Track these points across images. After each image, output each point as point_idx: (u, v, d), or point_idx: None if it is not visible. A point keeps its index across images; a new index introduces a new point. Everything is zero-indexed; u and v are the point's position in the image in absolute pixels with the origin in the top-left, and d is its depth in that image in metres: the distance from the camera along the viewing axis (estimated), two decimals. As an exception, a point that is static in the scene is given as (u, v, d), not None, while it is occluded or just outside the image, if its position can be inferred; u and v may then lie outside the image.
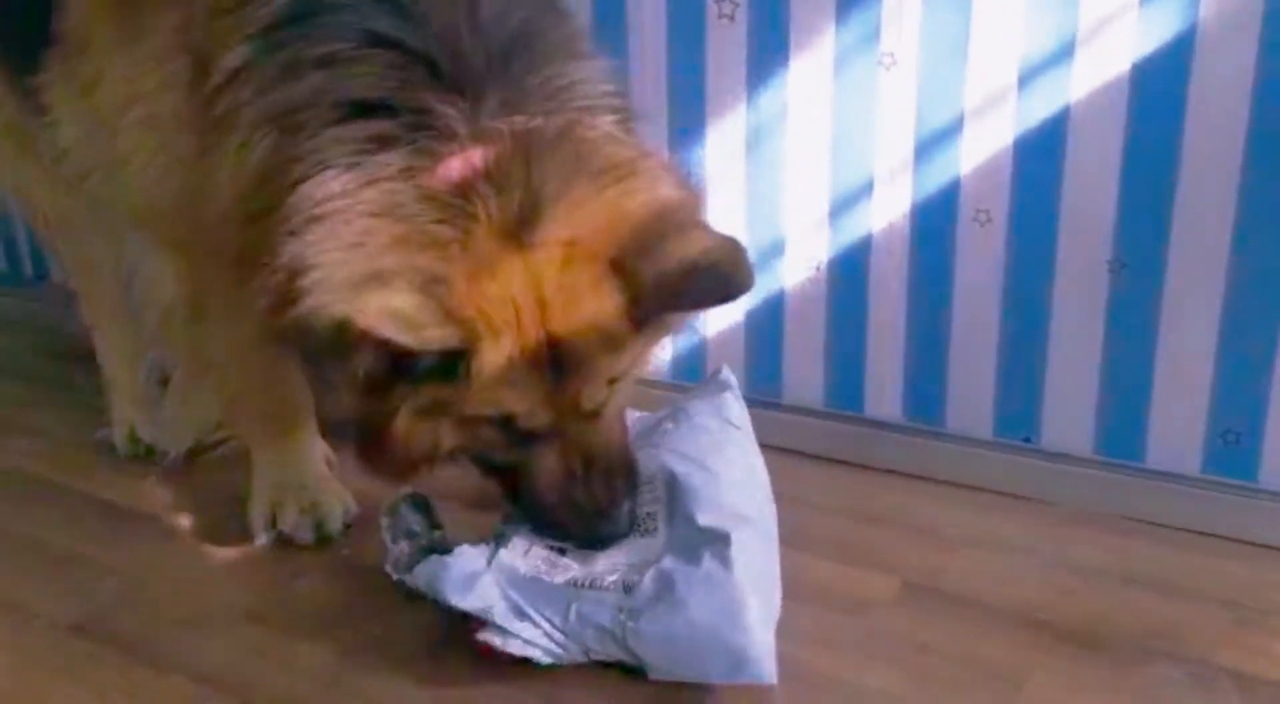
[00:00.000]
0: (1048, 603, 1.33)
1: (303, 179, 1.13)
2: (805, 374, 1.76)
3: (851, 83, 1.59)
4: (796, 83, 1.63)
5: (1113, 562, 1.42)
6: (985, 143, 1.53)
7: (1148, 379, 1.51)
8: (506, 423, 1.19)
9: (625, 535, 1.27)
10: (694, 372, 1.84)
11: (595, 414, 1.23)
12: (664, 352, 1.86)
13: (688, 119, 1.73)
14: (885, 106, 1.58)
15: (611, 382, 1.22)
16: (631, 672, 1.20)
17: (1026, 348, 1.57)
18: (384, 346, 1.06)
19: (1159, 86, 1.41)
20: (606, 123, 1.21)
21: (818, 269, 1.70)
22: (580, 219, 1.13)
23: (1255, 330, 1.43)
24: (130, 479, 1.67)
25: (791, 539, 1.47)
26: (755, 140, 1.69)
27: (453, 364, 1.10)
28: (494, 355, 1.11)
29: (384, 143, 1.13)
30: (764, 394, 1.79)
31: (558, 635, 1.19)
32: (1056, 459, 1.58)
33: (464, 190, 1.11)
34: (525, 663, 1.19)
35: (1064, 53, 1.45)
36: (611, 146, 1.18)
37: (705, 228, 1.19)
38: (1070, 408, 1.57)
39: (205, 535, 1.52)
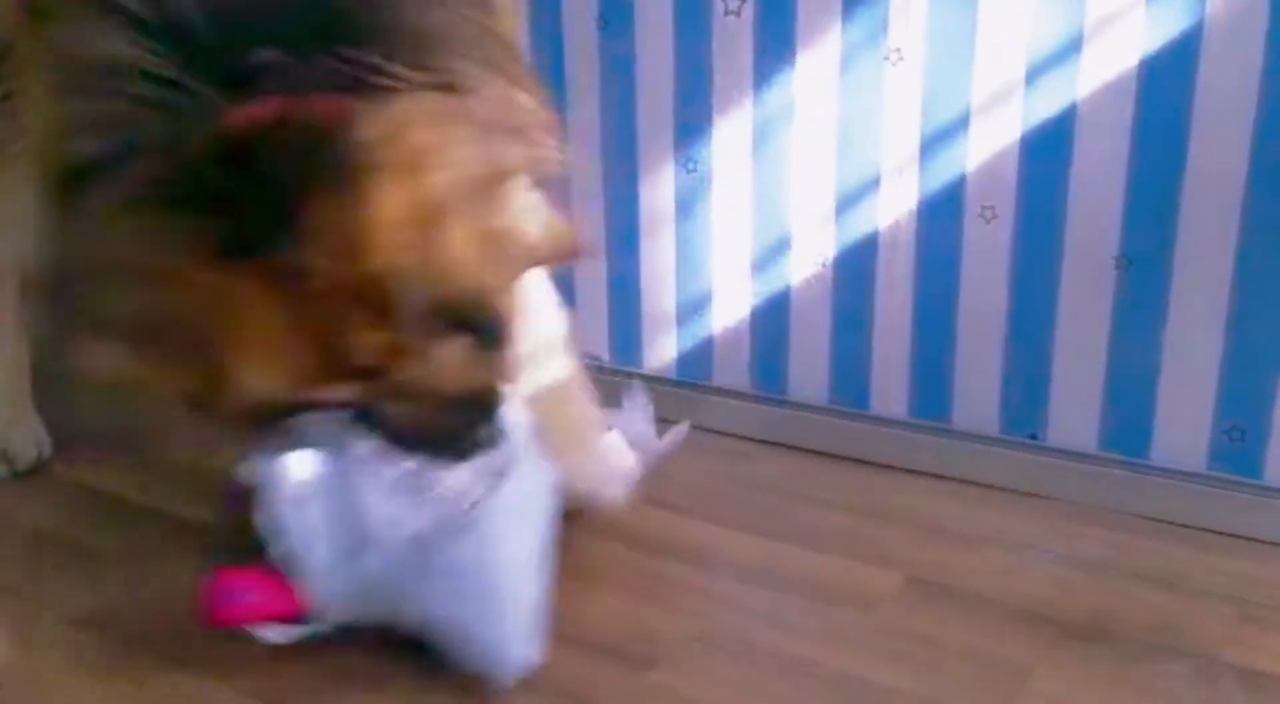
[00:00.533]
0: (1052, 598, 1.33)
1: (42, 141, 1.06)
2: (810, 370, 1.76)
3: (857, 79, 1.59)
4: (802, 79, 1.63)
5: (1117, 557, 1.42)
6: (991, 139, 1.53)
7: (1153, 376, 1.51)
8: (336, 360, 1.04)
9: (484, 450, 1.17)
10: (701, 369, 1.85)
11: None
12: (669, 352, 1.87)
13: (693, 115, 1.73)
14: (891, 103, 1.58)
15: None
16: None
17: (1032, 345, 1.58)
18: None
19: (1166, 83, 1.41)
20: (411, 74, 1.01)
21: (823, 265, 1.70)
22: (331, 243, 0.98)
23: (1261, 327, 1.43)
24: (136, 473, 1.68)
25: (795, 535, 1.49)
26: (761, 136, 1.69)
27: None
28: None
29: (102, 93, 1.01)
30: (769, 391, 1.79)
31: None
32: (1062, 456, 1.58)
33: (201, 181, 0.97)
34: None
35: (1071, 49, 1.45)
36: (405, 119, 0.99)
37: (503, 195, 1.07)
38: (1076, 405, 1.57)
39: (211, 530, 1.53)
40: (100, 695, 1.19)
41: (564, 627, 1.29)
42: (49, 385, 1.91)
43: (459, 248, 1.01)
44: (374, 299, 0.99)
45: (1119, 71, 1.44)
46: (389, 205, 0.97)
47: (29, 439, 1.74)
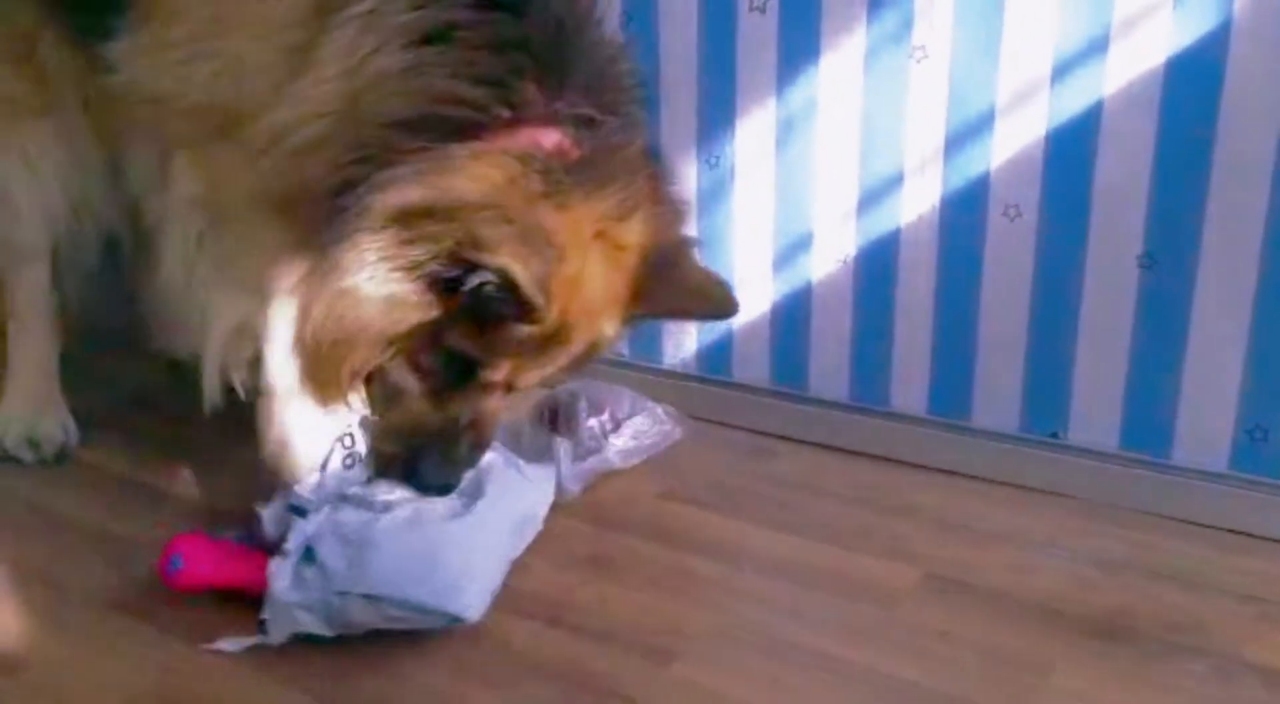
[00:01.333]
0: (1072, 596, 1.34)
1: (432, 83, 1.20)
2: (831, 367, 1.76)
3: (882, 76, 1.60)
4: (827, 76, 1.64)
5: (1137, 556, 1.42)
6: (1016, 137, 1.53)
7: (1176, 375, 1.51)
8: (469, 368, 1.28)
9: (449, 492, 1.33)
10: (721, 365, 1.85)
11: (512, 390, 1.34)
12: (690, 347, 1.87)
13: (718, 111, 1.73)
14: (916, 100, 1.58)
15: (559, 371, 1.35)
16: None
17: (1055, 343, 1.58)
18: (491, 284, 1.15)
19: (1193, 82, 1.41)
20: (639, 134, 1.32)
21: (845, 262, 1.70)
22: (640, 233, 1.26)
23: (1285, 328, 1.44)
24: (162, 460, 1.70)
25: (816, 531, 1.49)
26: (785, 133, 1.70)
27: (504, 316, 1.20)
28: (539, 325, 1.20)
29: (494, 85, 1.21)
30: (790, 387, 1.80)
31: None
32: (1083, 455, 1.58)
33: (571, 169, 1.20)
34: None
35: (1097, 47, 1.45)
36: (663, 178, 1.34)
37: (699, 259, 1.40)
38: (1098, 403, 1.57)
39: (236, 516, 1.54)
40: (128, 680, 1.21)
41: (586, 619, 1.30)
42: (77, 373, 1.94)
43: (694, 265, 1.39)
44: (632, 290, 1.29)
45: (1145, 70, 1.43)
46: (662, 225, 1.31)
47: (56, 426, 1.76)
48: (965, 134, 1.56)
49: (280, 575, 1.23)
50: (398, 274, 1.19)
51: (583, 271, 1.22)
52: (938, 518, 1.53)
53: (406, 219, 1.17)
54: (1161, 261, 1.48)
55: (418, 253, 1.18)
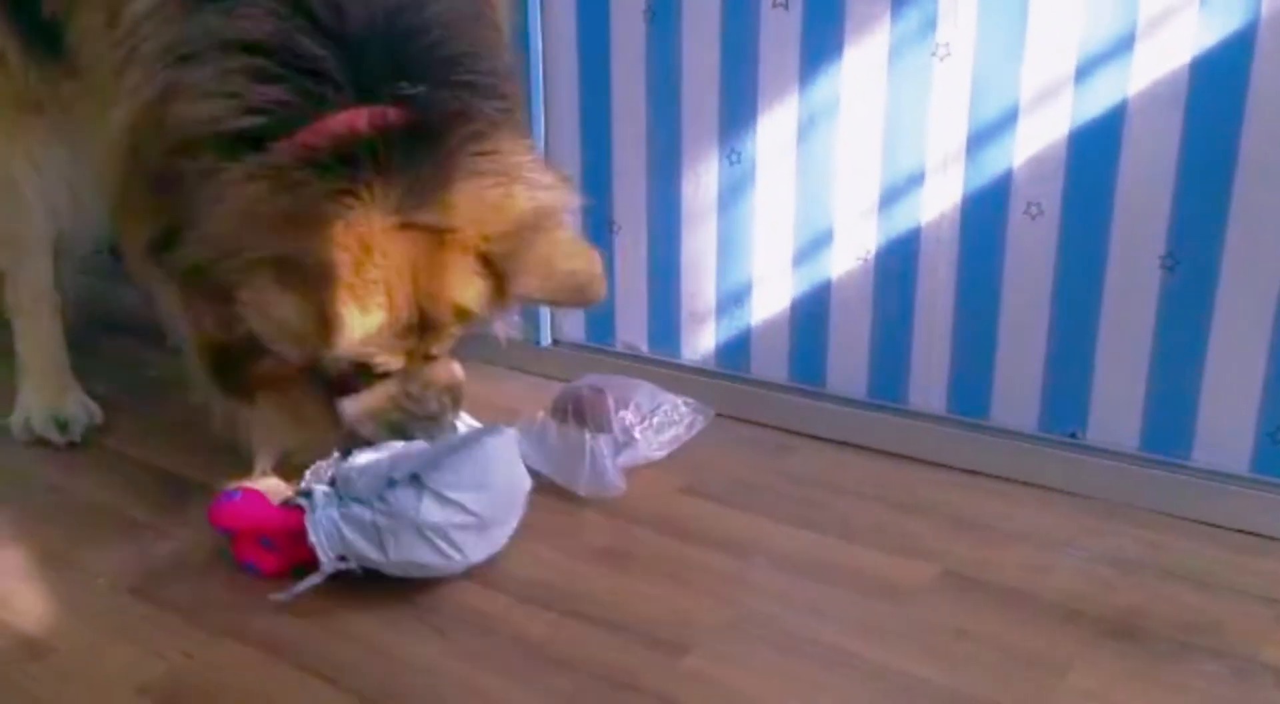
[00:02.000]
0: (1088, 595, 1.33)
1: (189, 103, 1.20)
2: (849, 364, 1.76)
3: (905, 73, 1.59)
4: (850, 72, 1.64)
5: (1154, 556, 1.42)
6: (1039, 135, 1.52)
7: (1197, 376, 1.50)
8: (363, 367, 1.32)
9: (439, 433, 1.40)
10: (739, 360, 1.86)
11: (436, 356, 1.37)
12: (708, 343, 1.88)
13: (739, 107, 1.73)
14: (939, 97, 1.58)
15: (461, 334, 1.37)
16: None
17: (1075, 342, 1.57)
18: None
19: (1219, 81, 1.40)
20: (490, 107, 1.28)
21: (865, 259, 1.70)
22: (461, 212, 1.24)
23: (1309, 330, 1.43)
24: (184, 448, 1.71)
25: (831, 527, 1.49)
26: (807, 129, 1.70)
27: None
28: (363, 330, 1.23)
29: (266, 78, 1.19)
30: (807, 383, 1.80)
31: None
32: (1101, 455, 1.57)
33: (348, 157, 1.18)
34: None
35: (1123, 45, 1.44)
36: (497, 145, 1.28)
37: (568, 234, 1.36)
38: (1117, 404, 1.56)
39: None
40: (150, 664, 1.23)
41: (602, 611, 1.31)
42: (98, 361, 1.96)
43: (560, 239, 1.31)
44: (483, 266, 1.26)
45: (1171, 69, 1.43)
46: (503, 200, 1.25)
47: (79, 407, 1.79)
48: (988, 131, 1.56)
49: (320, 499, 1.32)
50: (227, 321, 1.23)
51: (393, 272, 1.22)
52: (954, 516, 1.52)
53: (190, 278, 1.23)
54: (1184, 262, 1.48)
55: (205, 309, 1.24)
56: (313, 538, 1.29)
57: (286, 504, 1.35)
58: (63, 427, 1.75)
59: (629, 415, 1.63)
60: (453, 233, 1.24)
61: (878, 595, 1.34)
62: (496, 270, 1.28)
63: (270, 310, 1.17)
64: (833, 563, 1.41)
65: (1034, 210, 1.55)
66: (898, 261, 1.67)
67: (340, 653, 1.24)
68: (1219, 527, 1.48)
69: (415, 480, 1.30)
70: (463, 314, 1.31)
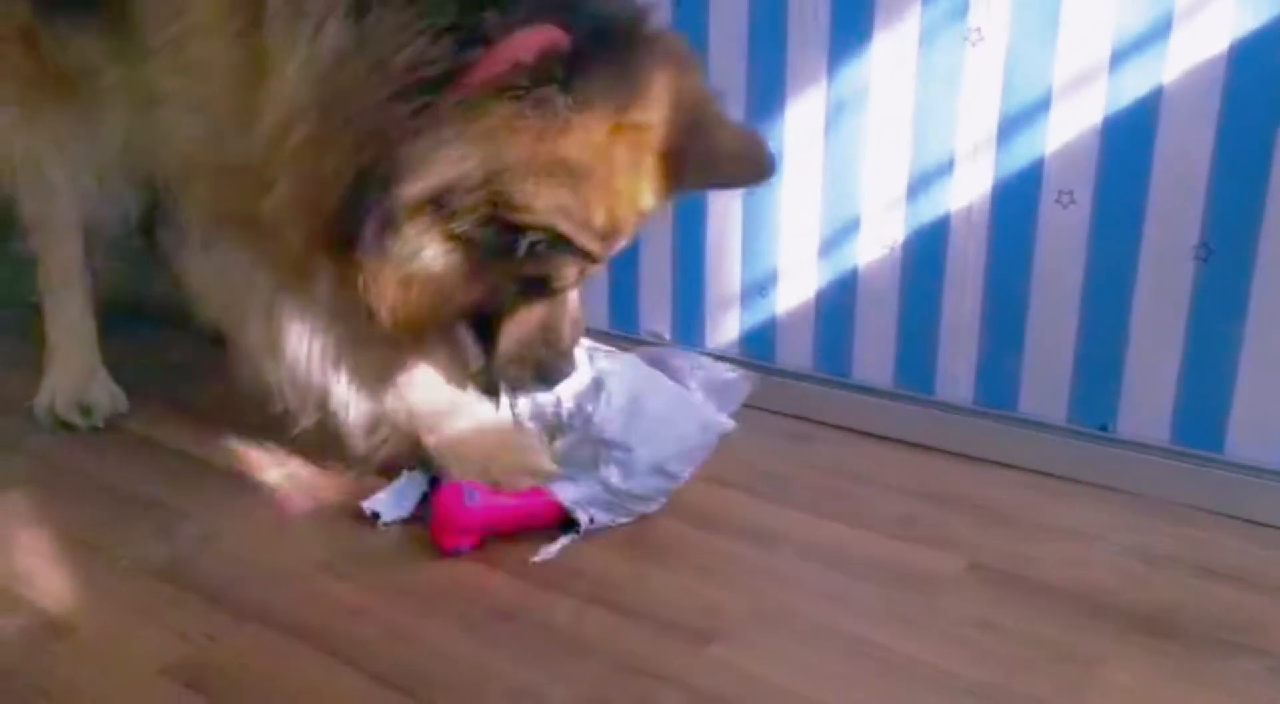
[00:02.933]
0: (1120, 590, 1.31)
1: (395, 49, 1.19)
2: (875, 354, 1.74)
3: (936, 59, 1.57)
4: (879, 57, 1.62)
5: (1187, 552, 1.40)
6: (1072, 122, 1.50)
7: (1231, 369, 1.48)
8: (542, 282, 1.34)
9: (565, 377, 1.46)
10: (764, 349, 1.84)
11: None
12: (733, 331, 1.86)
13: (767, 93, 1.72)
14: (970, 84, 1.56)
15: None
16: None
17: (1106, 333, 1.55)
18: (543, 242, 1.21)
19: (1258, 67, 1.37)
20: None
21: (892, 248, 1.68)
22: (660, 106, 1.26)
23: (1347, 322, 1.40)
24: (210, 433, 1.72)
25: (857, 518, 1.48)
26: (835, 116, 1.68)
27: (563, 261, 1.28)
28: (589, 239, 1.24)
29: (450, 30, 1.19)
30: (833, 372, 1.78)
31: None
32: (1133, 448, 1.55)
33: (551, 71, 1.19)
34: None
35: (1159, 30, 1.42)
36: (669, 41, 1.31)
37: (727, 116, 1.36)
38: (1149, 396, 1.54)
39: (281, 489, 1.56)
40: (173, 646, 1.22)
41: (626, 599, 1.30)
42: (124, 345, 1.96)
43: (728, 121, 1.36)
44: (665, 162, 1.28)
45: (1208, 56, 1.40)
46: (683, 90, 1.28)
47: (104, 392, 1.79)
48: (1020, 118, 1.53)
49: (562, 489, 1.42)
50: (451, 248, 1.22)
51: (612, 174, 1.24)
52: (983, 508, 1.51)
53: (435, 201, 1.20)
54: (1218, 252, 1.45)
55: (461, 226, 1.21)
56: (575, 510, 1.40)
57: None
58: (86, 412, 1.75)
59: (690, 382, 1.61)
60: (651, 130, 1.26)
61: (904, 587, 1.33)
62: (680, 162, 1.29)
63: (574, 212, 1.19)
64: (858, 554, 1.40)
65: (1065, 199, 1.53)
66: (926, 250, 1.65)
67: (364, 637, 1.24)
68: (1254, 522, 1.46)
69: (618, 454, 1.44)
70: (641, 216, 1.32)
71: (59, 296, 1.83)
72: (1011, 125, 1.54)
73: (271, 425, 1.58)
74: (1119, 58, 1.45)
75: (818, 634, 1.24)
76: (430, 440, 1.50)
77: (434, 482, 1.50)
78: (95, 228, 1.82)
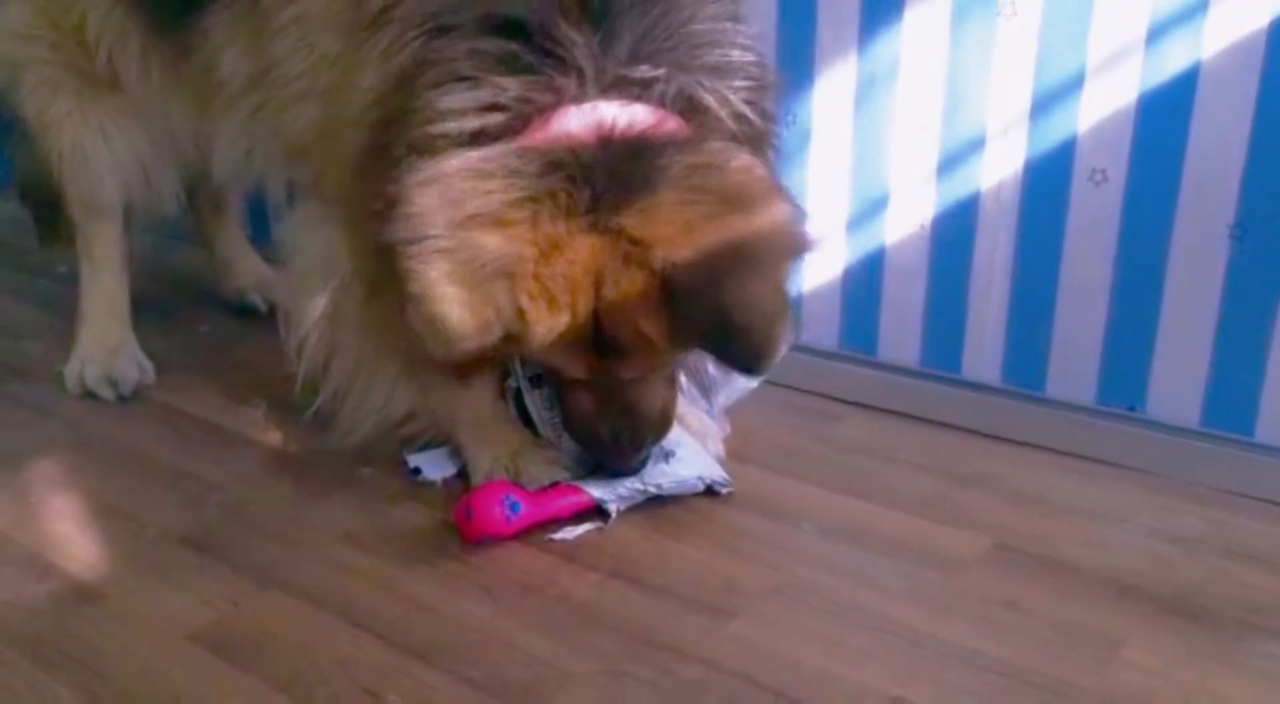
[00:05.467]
0: (1146, 572, 1.30)
1: (435, 85, 1.18)
2: (902, 332, 1.73)
3: (969, 33, 1.55)
4: (910, 32, 1.59)
5: (1215, 534, 1.38)
6: (1106, 99, 1.48)
7: (1263, 350, 1.45)
8: (554, 370, 1.30)
9: (632, 474, 1.41)
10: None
11: (635, 379, 1.31)
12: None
13: (796, 67, 1.70)
14: (1002, 60, 1.53)
15: (655, 364, 1.31)
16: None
17: (1137, 314, 1.53)
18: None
19: (1298, 44, 1.35)
20: (734, 96, 1.22)
21: (921, 226, 1.67)
22: (654, 225, 1.15)
23: (1385, 304, 1.37)
24: (236, 404, 1.73)
25: (881, 496, 1.47)
26: (865, 91, 1.66)
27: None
28: (541, 330, 1.18)
29: (510, 66, 1.18)
30: (859, 351, 1.77)
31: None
32: (1161, 429, 1.54)
33: (557, 164, 1.15)
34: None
35: (1197, 6, 1.39)
36: (721, 158, 1.19)
37: (764, 283, 1.16)
38: (1179, 378, 1.52)
39: (306, 460, 1.57)
40: (199, 612, 1.24)
41: (647, 574, 1.30)
42: (154, 318, 1.98)
43: (749, 289, 1.14)
44: (665, 294, 1.15)
45: (1247, 32, 1.37)
46: (707, 222, 1.14)
47: (131, 364, 1.81)
48: (1053, 95, 1.51)
49: (594, 487, 1.41)
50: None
51: (574, 267, 1.16)
52: (1008, 488, 1.50)
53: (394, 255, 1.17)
54: (1254, 232, 1.43)
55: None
56: (607, 503, 1.40)
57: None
58: (114, 384, 1.78)
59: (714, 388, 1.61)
60: (642, 247, 1.15)
61: (926, 565, 1.32)
62: (669, 299, 1.16)
63: (435, 300, 1.11)
64: (881, 532, 1.40)
65: (1098, 177, 1.51)
66: (955, 228, 1.64)
67: (386, 608, 1.25)
68: (1283, 505, 1.44)
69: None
70: (645, 343, 1.22)
71: (96, 269, 1.86)
72: (1044, 101, 1.52)
73: (296, 396, 1.59)
74: (1155, 33, 1.43)
75: (839, 611, 1.24)
76: (455, 426, 1.50)
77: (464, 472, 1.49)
78: (135, 207, 1.86)
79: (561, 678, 1.13)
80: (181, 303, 2.17)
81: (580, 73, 1.18)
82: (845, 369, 1.77)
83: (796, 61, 1.70)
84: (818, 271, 1.78)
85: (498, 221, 1.14)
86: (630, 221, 1.15)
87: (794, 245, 1.22)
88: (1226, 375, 1.49)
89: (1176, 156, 1.45)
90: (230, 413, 1.71)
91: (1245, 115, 1.40)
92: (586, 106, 1.18)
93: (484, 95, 1.17)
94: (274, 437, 1.64)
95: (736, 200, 1.17)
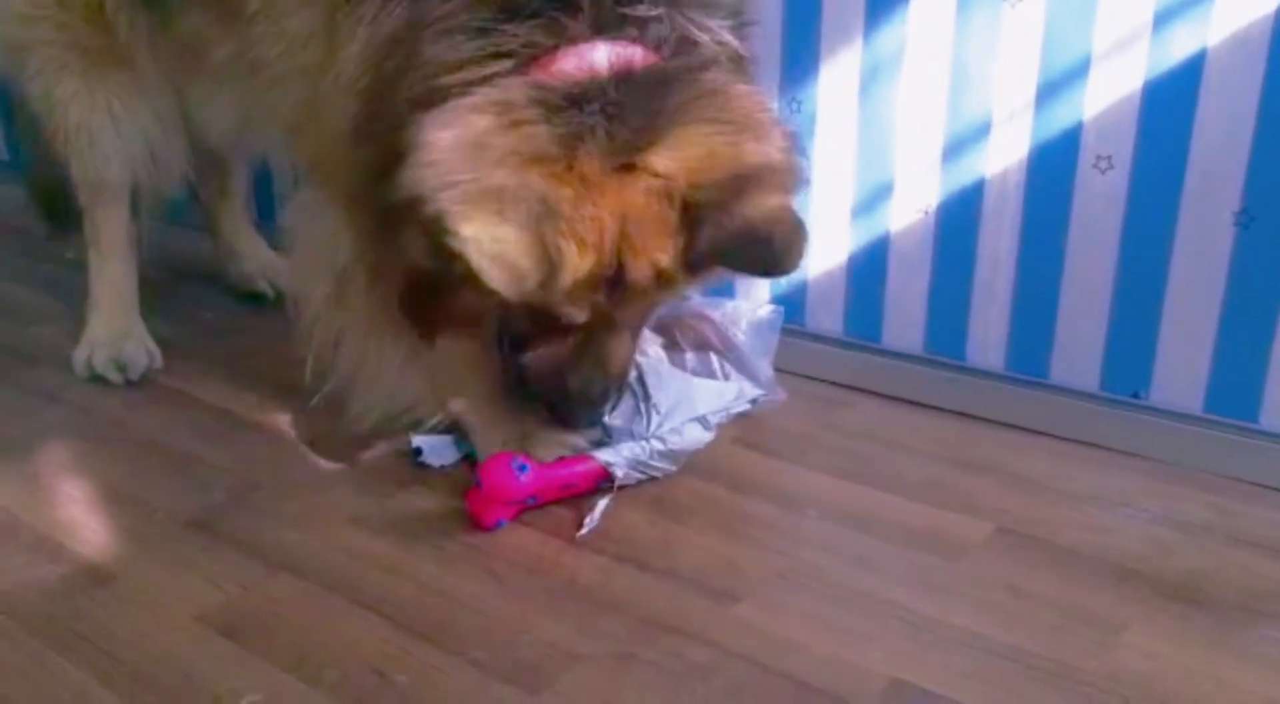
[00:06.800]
0: (1148, 557, 1.31)
1: (437, 39, 1.18)
2: (906, 319, 1.73)
3: (975, 19, 1.55)
4: (917, 18, 1.59)
5: (1218, 521, 1.39)
6: (1112, 86, 1.48)
7: (1267, 337, 1.46)
8: (549, 316, 1.27)
9: (590, 427, 1.43)
10: (795, 313, 1.83)
11: (620, 326, 1.32)
12: (763, 295, 1.85)
13: (802, 53, 1.70)
14: (1008, 46, 1.53)
15: (650, 305, 1.32)
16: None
17: (1141, 300, 1.53)
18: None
19: (1305, 30, 1.35)
20: (727, 34, 1.24)
21: (926, 213, 1.67)
22: (681, 158, 1.17)
23: (1389, 291, 1.38)
24: (243, 389, 1.74)
25: (885, 482, 1.48)
26: (870, 77, 1.66)
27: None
28: (573, 274, 1.17)
29: (514, 13, 1.18)
30: (864, 338, 1.78)
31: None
32: (1165, 416, 1.54)
33: (577, 97, 1.15)
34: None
35: (1204, -8, 1.39)
36: (730, 89, 1.21)
37: (781, 197, 1.21)
38: (1183, 364, 1.52)
39: (313, 444, 1.58)
40: (208, 594, 1.25)
41: (653, 558, 1.31)
42: (161, 303, 1.99)
43: (770, 203, 1.18)
44: (687, 222, 1.18)
45: (1253, 19, 1.37)
46: (727, 149, 1.17)
47: (140, 348, 1.82)
48: (1059, 81, 1.51)
49: (603, 453, 1.43)
50: (430, 252, 1.19)
51: (604, 209, 1.16)
52: (1011, 474, 1.50)
53: (406, 207, 1.17)
54: (1259, 219, 1.43)
55: (416, 238, 1.19)
56: (614, 467, 1.42)
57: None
58: (122, 368, 1.79)
59: (734, 329, 1.62)
60: (668, 181, 1.17)
61: (930, 550, 1.33)
62: (691, 222, 1.18)
63: (489, 244, 1.11)
64: (885, 517, 1.40)
65: (1104, 164, 1.51)
66: (960, 215, 1.64)
67: (395, 590, 1.26)
68: (1286, 492, 1.45)
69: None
70: (660, 277, 1.22)
71: (104, 256, 1.87)
72: (1049, 88, 1.52)
73: (302, 384, 1.60)
74: (1161, 20, 1.43)
75: (843, 596, 1.25)
76: (464, 408, 1.50)
77: (470, 457, 1.50)
78: (141, 189, 1.86)
79: (568, 660, 1.14)
80: (189, 289, 2.18)
81: (581, 12, 1.18)
82: (850, 356, 1.77)
83: (802, 47, 1.70)
84: (822, 258, 1.78)
85: (535, 159, 1.14)
86: (655, 156, 1.17)
87: (799, 173, 1.26)
88: (1231, 362, 1.49)
89: (1182, 143, 1.45)
90: (238, 398, 1.72)
91: (1251, 102, 1.40)
92: (590, 44, 1.19)
93: (491, 42, 1.17)
94: (282, 421, 1.65)
95: (747, 126, 1.21)
